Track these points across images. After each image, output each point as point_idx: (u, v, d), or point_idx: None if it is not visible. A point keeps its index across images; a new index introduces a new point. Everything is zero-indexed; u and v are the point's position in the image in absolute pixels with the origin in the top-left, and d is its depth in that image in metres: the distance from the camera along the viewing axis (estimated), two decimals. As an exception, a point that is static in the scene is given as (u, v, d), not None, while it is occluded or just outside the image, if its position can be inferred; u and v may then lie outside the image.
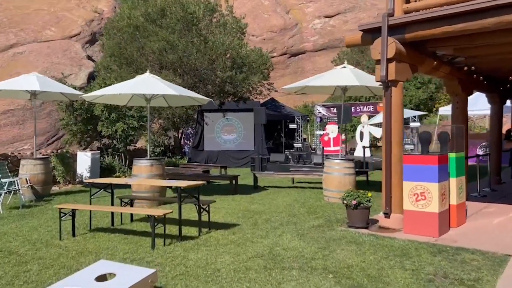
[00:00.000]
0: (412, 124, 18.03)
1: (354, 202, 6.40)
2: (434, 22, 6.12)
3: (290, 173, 11.62)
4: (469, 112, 16.76)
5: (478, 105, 13.95)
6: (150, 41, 17.01)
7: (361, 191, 6.62)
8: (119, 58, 18.33)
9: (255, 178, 11.37)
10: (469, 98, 16.23)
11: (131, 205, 7.27)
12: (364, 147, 15.49)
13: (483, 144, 16.06)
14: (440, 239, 5.85)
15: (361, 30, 6.79)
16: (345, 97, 9.50)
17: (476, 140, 16.32)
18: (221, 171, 13.55)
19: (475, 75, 9.40)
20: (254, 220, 7.23)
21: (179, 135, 20.67)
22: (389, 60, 6.39)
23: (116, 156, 15.35)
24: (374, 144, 20.93)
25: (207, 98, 9.23)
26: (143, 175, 8.69)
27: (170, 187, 11.39)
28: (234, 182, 10.43)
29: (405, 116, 17.90)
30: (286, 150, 19.34)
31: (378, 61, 6.52)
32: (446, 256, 5.05)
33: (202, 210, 6.37)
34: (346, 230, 6.44)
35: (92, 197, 6.74)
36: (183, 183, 6.00)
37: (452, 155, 6.51)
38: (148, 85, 8.47)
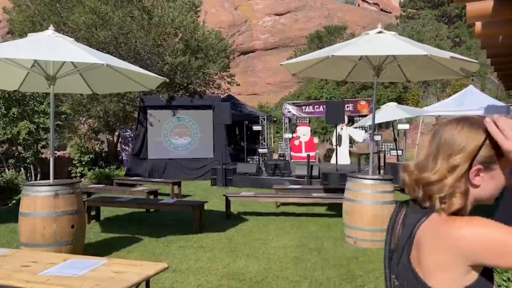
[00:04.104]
0: (401, 126, 15.18)
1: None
2: None
3: (278, 195, 8.04)
4: (454, 113, 14.34)
5: (465, 104, 11.31)
6: (74, 14, 12.73)
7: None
8: (33, 37, 13.81)
9: (228, 204, 7.70)
10: (454, 97, 13.86)
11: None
12: (364, 154, 12.32)
13: None
14: None
15: None
16: (378, 80, 6.08)
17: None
18: (173, 189, 9.69)
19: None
20: (260, 313, 3.59)
21: (115, 139, 16.37)
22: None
23: (22, 169, 10.94)
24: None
25: (160, 77, 5.45)
26: (38, 214, 4.71)
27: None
28: (199, 212, 6.70)
29: (394, 118, 15.22)
30: (248, 158, 15.76)
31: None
32: None
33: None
34: None
35: None
36: None
37: None
38: (50, 48, 4.53)
